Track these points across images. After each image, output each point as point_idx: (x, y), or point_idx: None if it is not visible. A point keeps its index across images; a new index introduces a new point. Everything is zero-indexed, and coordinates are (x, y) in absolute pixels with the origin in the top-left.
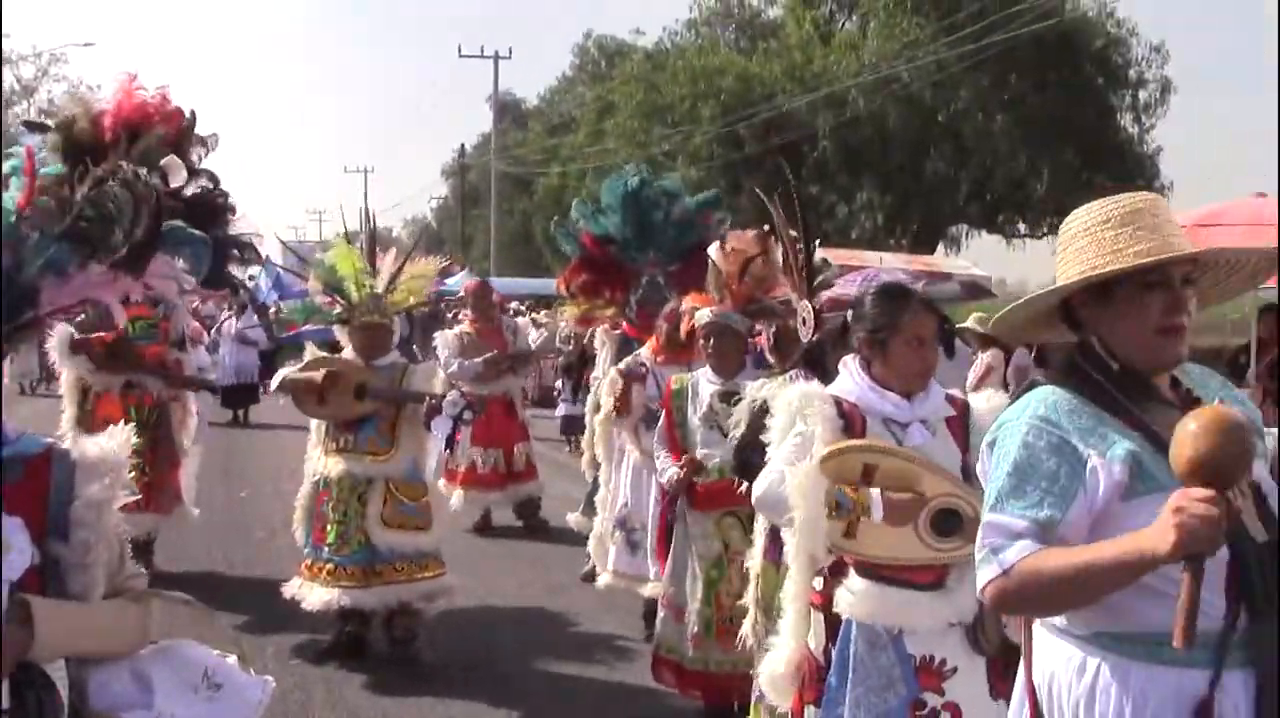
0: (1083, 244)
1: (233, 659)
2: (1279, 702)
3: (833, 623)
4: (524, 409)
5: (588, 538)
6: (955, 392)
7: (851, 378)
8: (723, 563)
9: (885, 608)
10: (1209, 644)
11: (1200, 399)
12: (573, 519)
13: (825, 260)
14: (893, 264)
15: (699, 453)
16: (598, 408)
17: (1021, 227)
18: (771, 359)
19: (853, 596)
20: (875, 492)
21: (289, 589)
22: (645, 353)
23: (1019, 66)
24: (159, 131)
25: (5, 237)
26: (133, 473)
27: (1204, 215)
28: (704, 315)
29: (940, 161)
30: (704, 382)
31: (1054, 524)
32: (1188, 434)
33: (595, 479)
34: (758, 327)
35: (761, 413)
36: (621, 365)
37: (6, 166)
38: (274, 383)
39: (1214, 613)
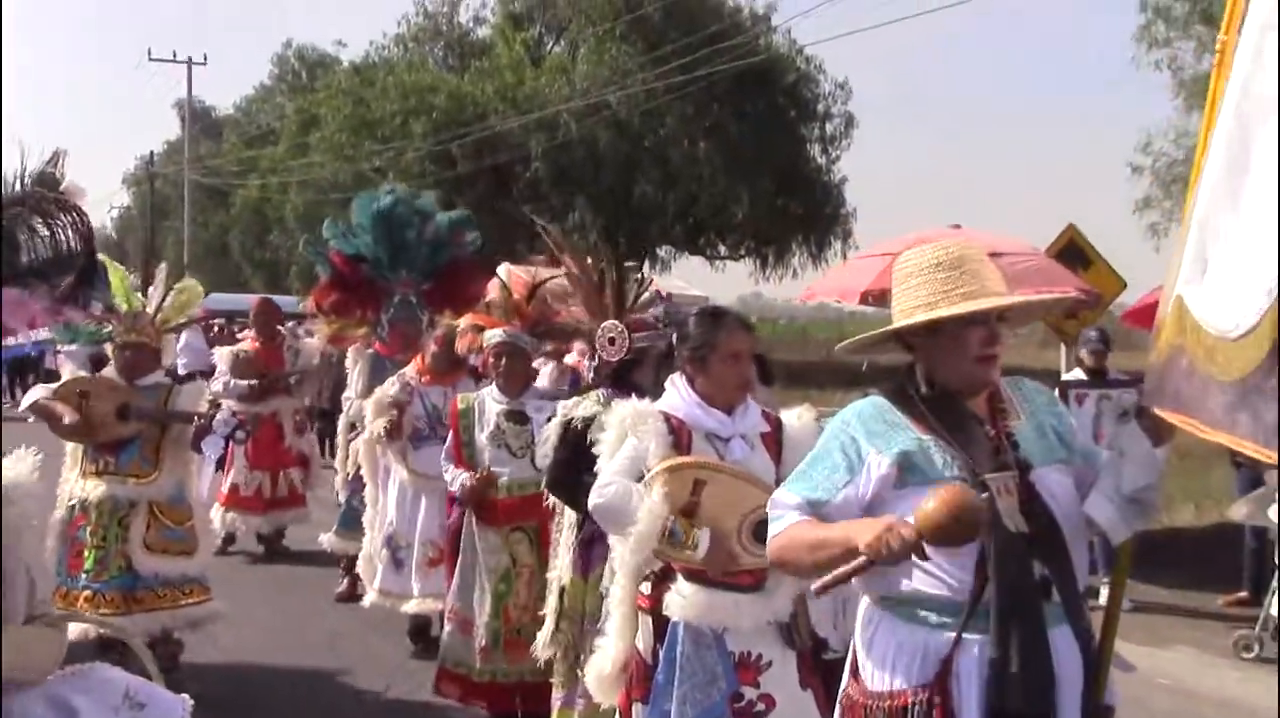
0: (916, 283)
1: (147, 678)
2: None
3: (660, 624)
4: (299, 433)
5: (342, 559)
6: (768, 409)
7: (678, 394)
8: (510, 576)
9: (711, 610)
10: (957, 613)
11: (1005, 412)
12: (326, 540)
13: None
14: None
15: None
16: (352, 427)
17: (722, 248)
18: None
19: (682, 599)
20: (706, 534)
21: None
22: (411, 373)
23: (720, 97)
24: None
25: None
26: None
27: (908, 244)
28: (495, 335)
29: (648, 185)
30: (490, 401)
31: (820, 504)
32: (930, 496)
33: (348, 500)
34: (546, 347)
35: (579, 431)
36: (391, 388)
37: None
38: (24, 403)
39: (961, 588)
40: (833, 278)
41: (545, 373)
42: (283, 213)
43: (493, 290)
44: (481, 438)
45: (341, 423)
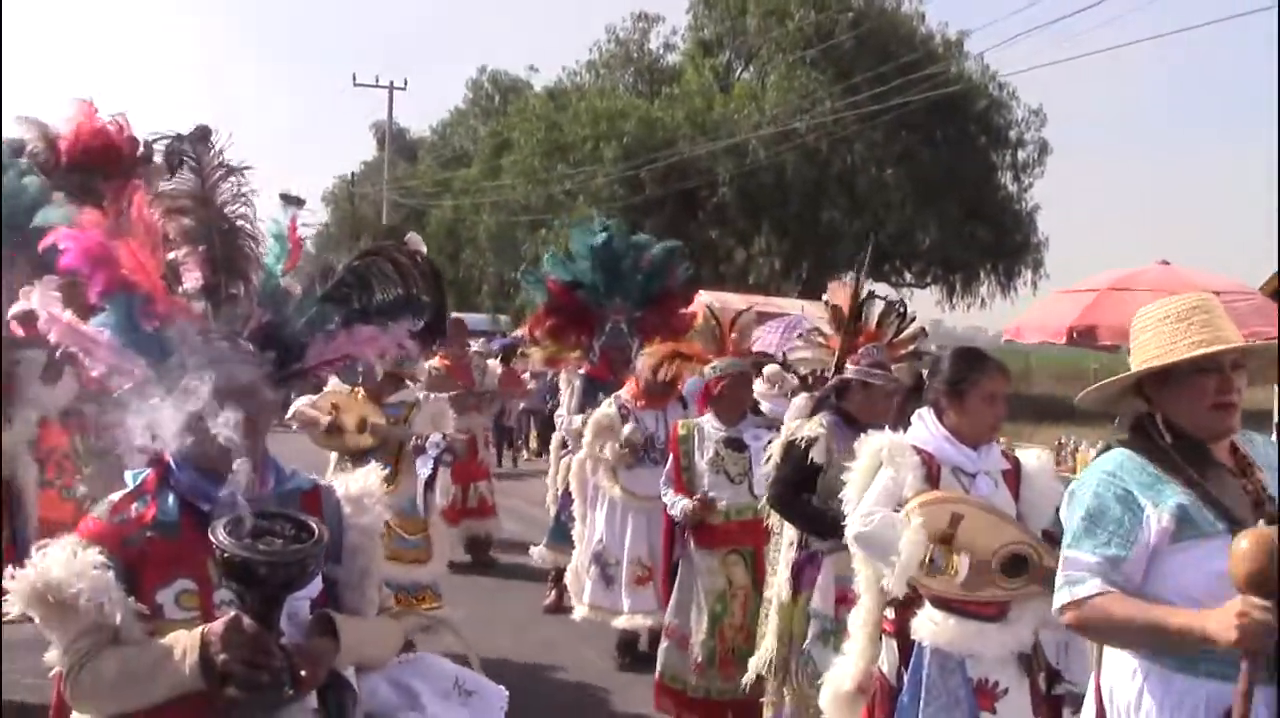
0: (1148, 338)
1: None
2: None
3: (905, 648)
4: (487, 447)
5: (550, 573)
6: (1005, 448)
7: (927, 429)
8: (726, 598)
9: (958, 637)
10: (1236, 664)
11: (1253, 464)
12: (536, 552)
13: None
14: (811, 313)
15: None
16: (563, 444)
17: (908, 275)
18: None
19: (933, 625)
20: (966, 560)
21: None
22: (625, 396)
23: (910, 123)
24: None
25: (269, 295)
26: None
27: (1115, 280)
28: (729, 365)
29: (835, 211)
30: (709, 428)
31: (1120, 561)
32: (1241, 552)
33: (557, 514)
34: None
35: (802, 451)
36: (608, 409)
37: (270, 231)
38: (290, 410)
39: None
40: (1036, 315)
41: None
42: (475, 233)
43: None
44: (701, 463)
45: (554, 441)
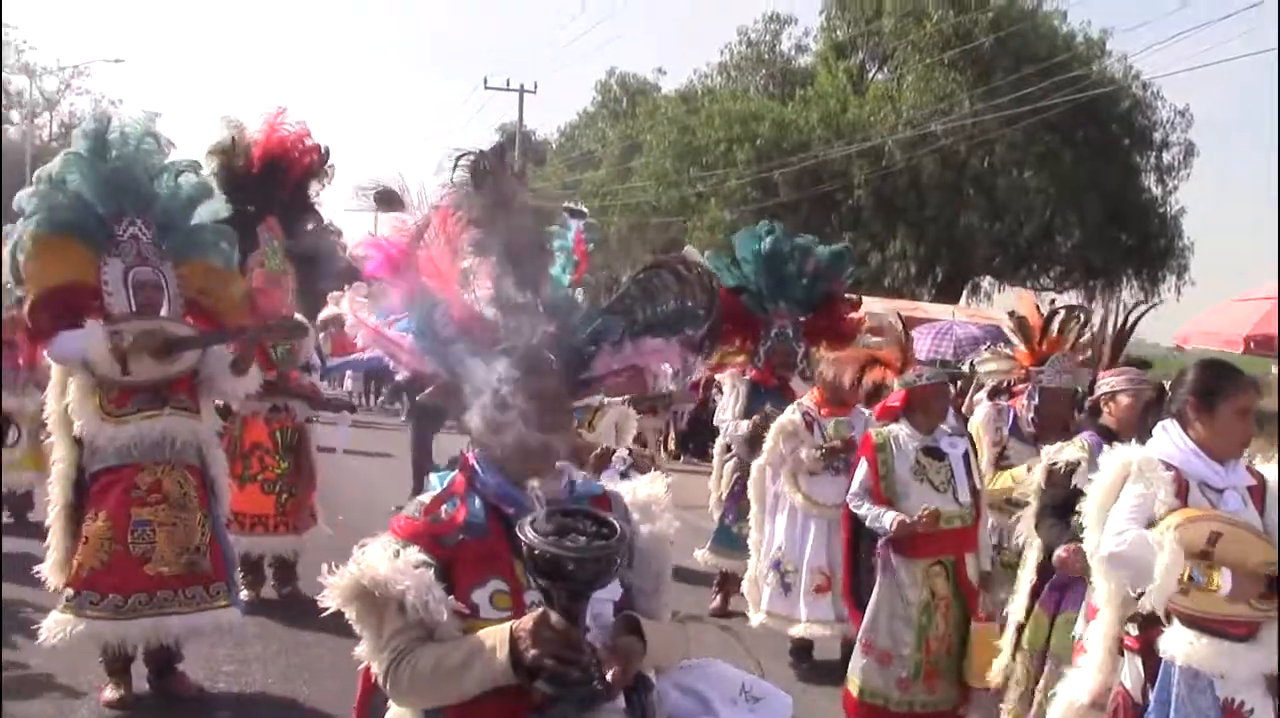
0: None
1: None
2: None
3: (1151, 665)
4: (659, 452)
5: (715, 577)
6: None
7: (1173, 442)
8: (930, 609)
9: (1211, 656)
10: None
11: None
12: (700, 556)
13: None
14: (961, 318)
15: (911, 504)
16: (726, 449)
17: (1046, 279)
18: (1031, 425)
19: (1187, 644)
20: (1228, 574)
21: None
22: (809, 403)
23: (1051, 124)
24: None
25: (557, 306)
26: (279, 495)
27: None
28: (933, 375)
29: (973, 214)
30: (904, 436)
31: None
32: None
33: (721, 518)
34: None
35: (1064, 474)
36: (793, 415)
37: (557, 243)
38: None
39: None
40: (1208, 322)
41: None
42: (605, 235)
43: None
44: (903, 472)
45: (718, 445)
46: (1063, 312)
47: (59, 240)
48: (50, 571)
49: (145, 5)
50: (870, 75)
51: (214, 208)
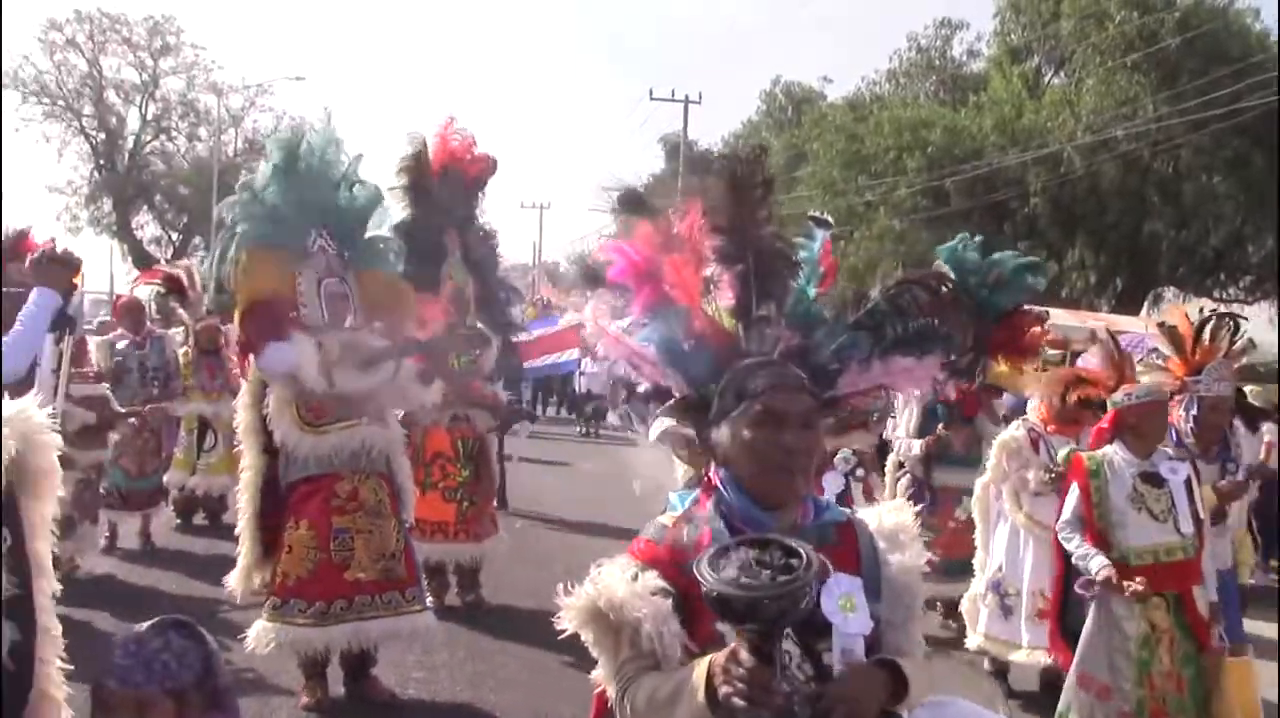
0: None
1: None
2: None
3: None
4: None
5: None
6: None
7: None
8: (1150, 643)
9: None
10: None
11: None
12: None
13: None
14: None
15: (1128, 535)
16: (899, 466)
17: (1234, 290)
18: (1190, 436)
19: None
20: None
21: None
22: (1034, 420)
23: (1242, 127)
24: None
25: (801, 319)
26: (460, 503)
27: None
28: (1145, 390)
29: (1157, 222)
30: (1119, 461)
31: None
32: None
33: None
34: None
35: None
36: (1017, 432)
37: (802, 253)
38: (654, 432)
39: None
40: None
41: None
42: None
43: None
44: (1119, 500)
45: (890, 462)
46: (1214, 319)
47: (263, 252)
48: (236, 578)
49: (325, 23)
50: (1046, 80)
51: (383, 218)
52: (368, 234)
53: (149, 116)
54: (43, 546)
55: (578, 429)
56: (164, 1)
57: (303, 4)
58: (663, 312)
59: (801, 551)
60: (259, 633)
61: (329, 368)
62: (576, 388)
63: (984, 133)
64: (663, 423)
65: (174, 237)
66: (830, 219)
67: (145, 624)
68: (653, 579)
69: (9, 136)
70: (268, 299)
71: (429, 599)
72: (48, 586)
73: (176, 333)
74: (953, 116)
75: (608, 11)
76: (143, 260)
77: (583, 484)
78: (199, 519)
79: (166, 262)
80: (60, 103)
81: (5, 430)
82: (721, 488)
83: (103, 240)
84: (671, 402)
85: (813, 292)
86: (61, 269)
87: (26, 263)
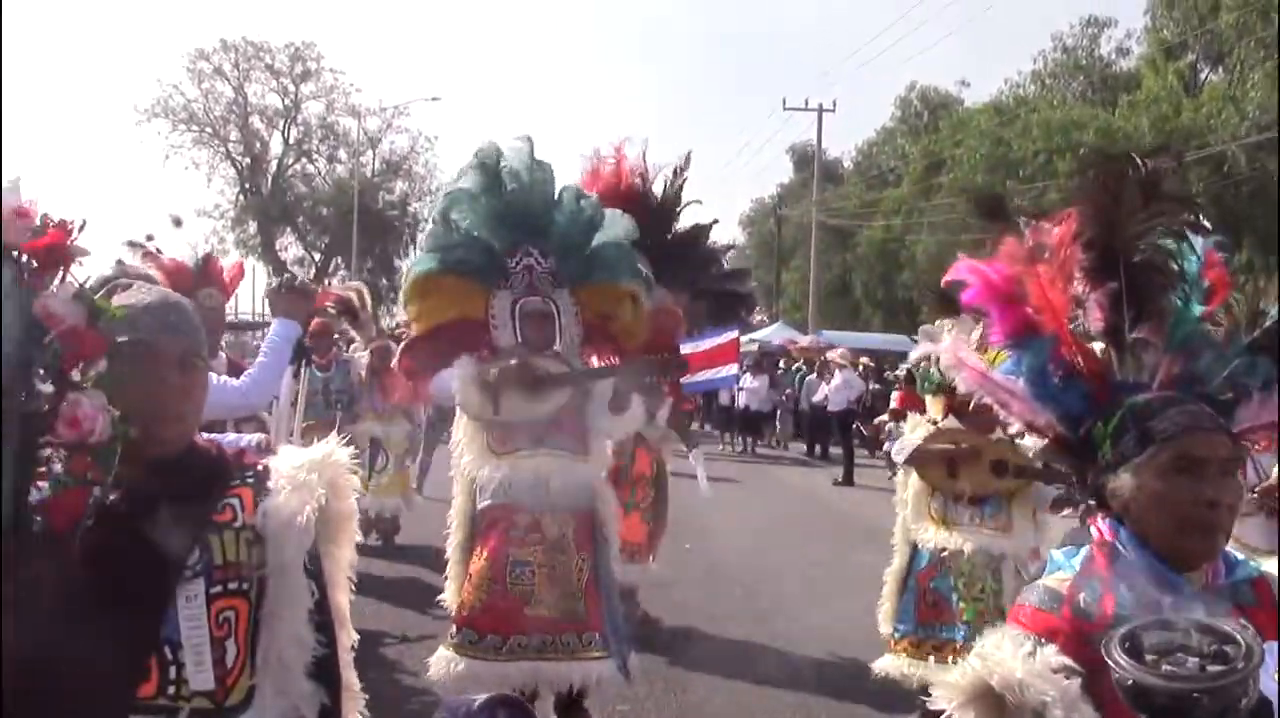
0: None
1: None
2: None
3: None
4: None
5: None
6: None
7: None
8: None
9: None
10: None
11: None
12: None
13: None
14: None
15: None
16: None
17: None
18: None
19: None
20: None
21: (880, 666)
22: None
23: None
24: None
25: (1182, 342)
26: (649, 524)
27: None
28: None
29: None
30: None
31: None
32: None
33: None
34: None
35: None
36: None
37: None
38: (899, 453)
39: None
40: None
41: None
42: (912, 253)
43: None
44: None
45: None
46: None
47: (448, 279)
48: (449, 600)
49: (461, 44)
50: (1204, 76)
51: (618, 229)
52: (595, 245)
53: (291, 140)
54: (341, 596)
55: (723, 447)
56: (304, 28)
57: (438, 26)
58: (1028, 340)
59: (1239, 637)
60: (437, 660)
61: (494, 394)
62: (735, 402)
63: (1140, 132)
64: (907, 443)
65: (316, 257)
66: (1208, 224)
67: (477, 701)
68: (1054, 655)
69: (162, 163)
70: (444, 324)
71: (623, 644)
72: (347, 638)
73: (361, 356)
74: (1106, 117)
75: (733, 21)
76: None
77: (748, 503)
78: (372, 540)
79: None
80: (208, 129)
81: (314, 477)
82: (1120, 546)
83: (248, 262)
84: (1044, 444)
85: (1198, 310)
86: (300, 299)
87: (220, 287)
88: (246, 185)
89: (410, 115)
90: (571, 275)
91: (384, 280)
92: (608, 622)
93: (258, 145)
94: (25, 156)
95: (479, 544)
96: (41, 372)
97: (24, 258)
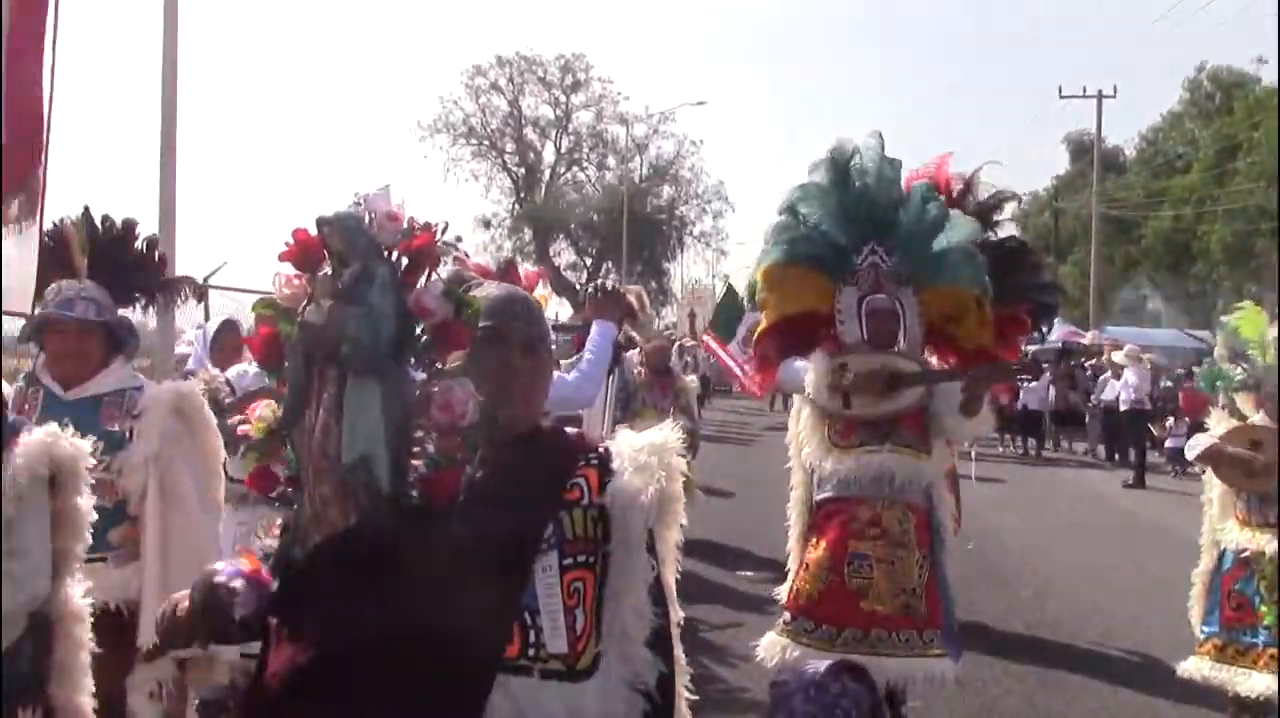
0: None
1: None
2: None
3: None
4: None
5: None
6: None
7: None
8: None
9: None
10: None
11: None
12: None
13: None
14: None
15: None
16: None
17: None
18: None
19: None
20: None
21: (1185, 669)
22: None
23: None
24: None
25: None
26: None
27: None
28: None
29: None
30: None
31: None
32: None
33: None
34: None
35: None
36: None
37: None
38: (1192, 451)
39: None
40: None
41: None
42: (1205, 244)
43: None
44: None
45: None
46: None
47: (796, 270)
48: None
49: (726, 48)
50: None
51: (963, 231)
52: (940, 247)
53: (563, 149)
54: (669, 575)
55: (1002, 449)
56: (574, 38)
57: (703, 31)
58: None
59: None
60: (768, 644)
61: (845, 391)
62: (1015, 401)
63: None
64: (1200, 441)
65: (587, 262)
66: None
67: (822, 667)
68: None
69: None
70: (794, 315)
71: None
72: (675, 615)
73: (632, 354)
74: None
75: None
76: (563, 287)
77: (1032, 505)
78: None
79: (580, 286)
80: (485, 142)
81: (654, 459)
82: None
83: (524, 269)
84: None
85: None
86: (615, 303)
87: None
88: (521, 194)
89: (676, 121)
90: (916, 275)
91: (653, 283)
92: (946, 621)
93: (531, 155)
94: (329, 174)
95: (815, 535)
96: (413, 360)
97: (397, 257)
